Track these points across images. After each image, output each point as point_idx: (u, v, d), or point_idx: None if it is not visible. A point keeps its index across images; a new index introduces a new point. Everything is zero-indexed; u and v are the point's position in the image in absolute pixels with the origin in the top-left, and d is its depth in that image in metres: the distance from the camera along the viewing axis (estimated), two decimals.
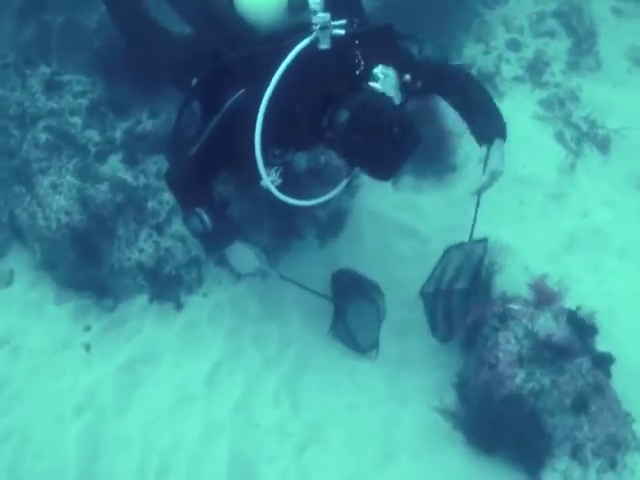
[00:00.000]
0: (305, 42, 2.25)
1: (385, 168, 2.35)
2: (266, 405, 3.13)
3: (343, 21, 2.29)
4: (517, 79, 4.49)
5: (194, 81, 2.59)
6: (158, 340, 3.30)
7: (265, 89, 2.27)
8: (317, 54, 2.27)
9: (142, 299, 3.40)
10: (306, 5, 2.29)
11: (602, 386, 2.86)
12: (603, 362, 2.90)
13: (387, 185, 3.82)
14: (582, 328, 2.89)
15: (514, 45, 4.64)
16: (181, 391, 3.15)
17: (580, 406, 2.79)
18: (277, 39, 2.35)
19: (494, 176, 2.67)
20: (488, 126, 2.71)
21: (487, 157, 2.66)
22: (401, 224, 3.76)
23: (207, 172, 2.65)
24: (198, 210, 2.62)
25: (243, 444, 2.97)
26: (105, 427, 3.00)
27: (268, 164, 2.46)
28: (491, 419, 2.87)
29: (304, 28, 2.28)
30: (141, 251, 3.39)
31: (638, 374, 3.07)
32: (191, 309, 3.41)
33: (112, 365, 3.20)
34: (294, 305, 3.40)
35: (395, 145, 2.22)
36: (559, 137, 4.20)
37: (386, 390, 3.21)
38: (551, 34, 4.70)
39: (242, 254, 2.83)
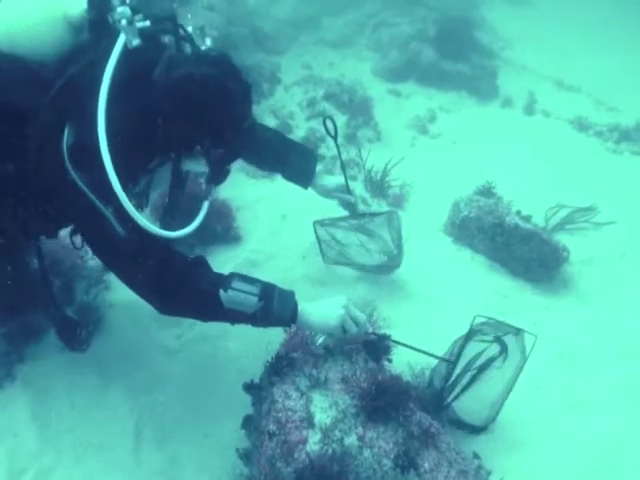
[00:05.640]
0: (120, 42, 1.81)
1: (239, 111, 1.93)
2: None
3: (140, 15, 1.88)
4: None
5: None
6: None
7: (95, 114, 1.74)
8: (131, 54, 1.84)
9: None
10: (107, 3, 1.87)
11: (433, 433, 2.00)
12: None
13: None
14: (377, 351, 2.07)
15: (285, 128, 4.33)
16: None
17: (406, 466, 1.90)
18: (80, 55, 1.88)
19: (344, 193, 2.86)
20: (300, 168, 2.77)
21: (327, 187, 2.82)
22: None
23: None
24: (230, 280, 1.92)
25: None
26: None
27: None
28: None
29: (100, 34, 1.89)
30: None
31: None
32: None
33: None
34: (27, 413, 2.43)
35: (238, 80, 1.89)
36: None
37: None
38: (323, 113, 4.43)
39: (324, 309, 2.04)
